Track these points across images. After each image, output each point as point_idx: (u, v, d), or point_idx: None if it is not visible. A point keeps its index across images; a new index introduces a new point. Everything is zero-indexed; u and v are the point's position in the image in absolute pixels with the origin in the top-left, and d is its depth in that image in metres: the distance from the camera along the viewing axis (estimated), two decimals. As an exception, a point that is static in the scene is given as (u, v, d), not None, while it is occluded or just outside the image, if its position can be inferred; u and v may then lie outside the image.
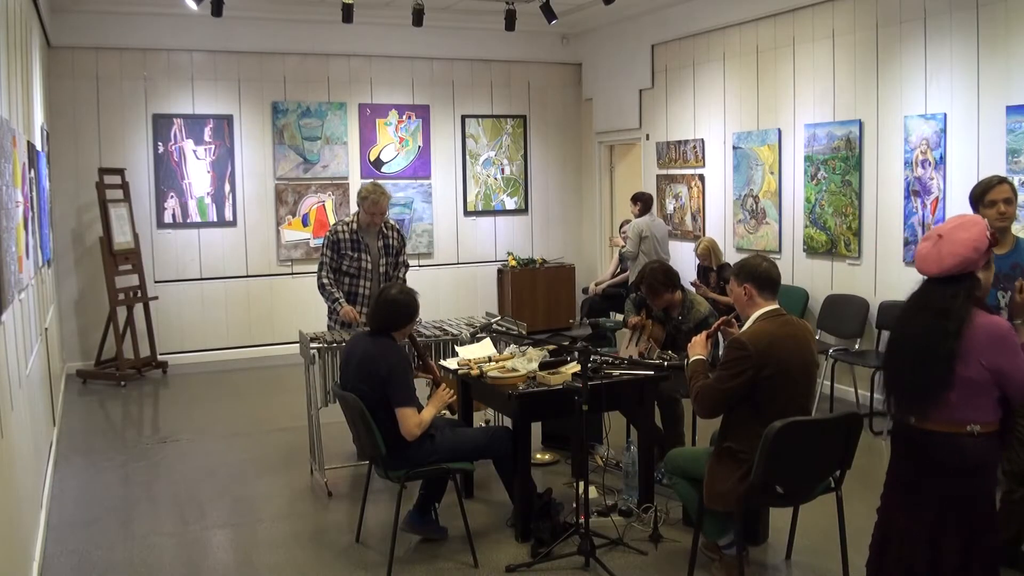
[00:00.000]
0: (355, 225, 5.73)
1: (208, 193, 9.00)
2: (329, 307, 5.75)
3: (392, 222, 5.97)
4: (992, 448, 2.97)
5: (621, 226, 8.97)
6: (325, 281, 5.70)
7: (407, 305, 4.33)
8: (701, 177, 8.64)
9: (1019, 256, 3.83)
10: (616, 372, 4.64)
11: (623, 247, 8.50)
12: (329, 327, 5.77)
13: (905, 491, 3.07)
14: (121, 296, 8.16)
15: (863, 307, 6.68)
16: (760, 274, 3.70)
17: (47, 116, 7.92)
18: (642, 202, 8.24)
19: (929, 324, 2.91)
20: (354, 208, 9.39)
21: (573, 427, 4.38)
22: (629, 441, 4.99)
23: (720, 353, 4.13)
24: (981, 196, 3.81)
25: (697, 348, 3.86)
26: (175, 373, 8.56)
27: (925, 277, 3.02)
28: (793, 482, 3.62)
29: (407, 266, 6.00)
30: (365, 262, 5.73)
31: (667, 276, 5.20)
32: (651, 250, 8.03)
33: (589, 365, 4.15)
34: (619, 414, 5.01)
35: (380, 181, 9.29)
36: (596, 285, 8.98)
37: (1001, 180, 3.87)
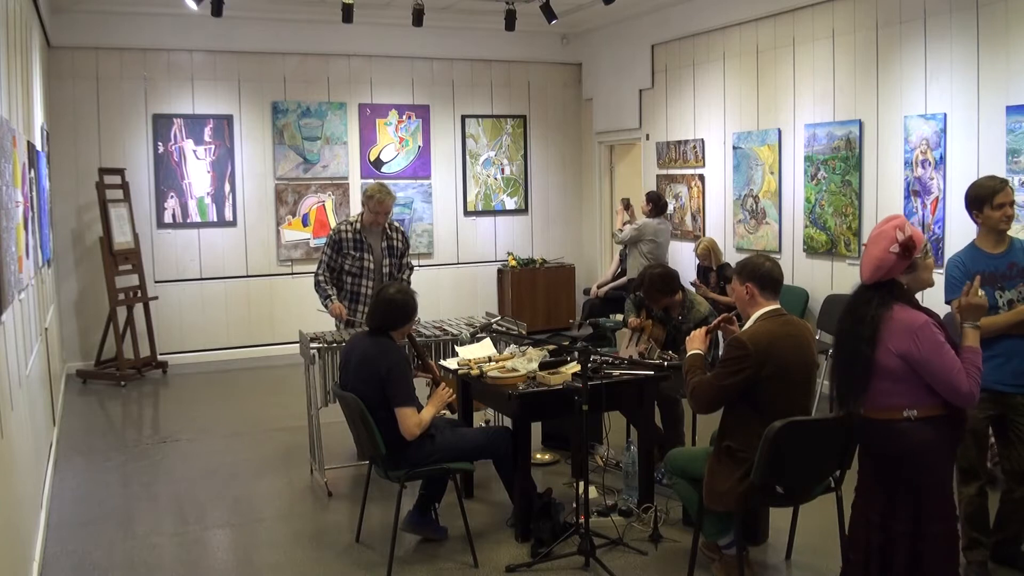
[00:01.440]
0: (359, 225, 5.75)
1: (208, 193, 9.00)
2: (322, 302, 5.78)
3: (396, 223, 5.99)
4: (935, 432, 3.09)
5: (628, 207, 8.79)
6: (320, 278, 5.77)
7: (404, 304, 4.34)
8: (701, 177, 8.64)
9: (1015, 256, 3.83)
10: (616, 372, 4.64)
11: (619, 228, 8.37)
12: (336, 327, 5.80)
13: (862, 477, 3.30)
14: (121, 296, 8.16)
15: (863, 307, 6.66)
16: (763, 274, 3.70)
17: (47, 116, 7.92)
18: (655, 204, 8.12)
19: (848, 329, 3.19)
20: (354, 208, 9.45)
21: (573, 427, 4.38)
22: (629, 441, 4.99)
23: (719, 352, 4.14)
24: (990, 198, 3.80)
25: (695, 342, 3.86)
26: (175, 373, 8.56)
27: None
28: (793, 482, 3.63)
29: (411, 268, 6.03)
30: (368, 262, 5.74)
31: (665, 282, 5.18)
32: (653, 252, 7.98)
33: (589, 365, 4.15)
34: (619, 414, 5.01)
35: (380, 181, 9.36)
36: (597, 288, 8.97)
37: (1005, 182, 3.87)
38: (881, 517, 3.15)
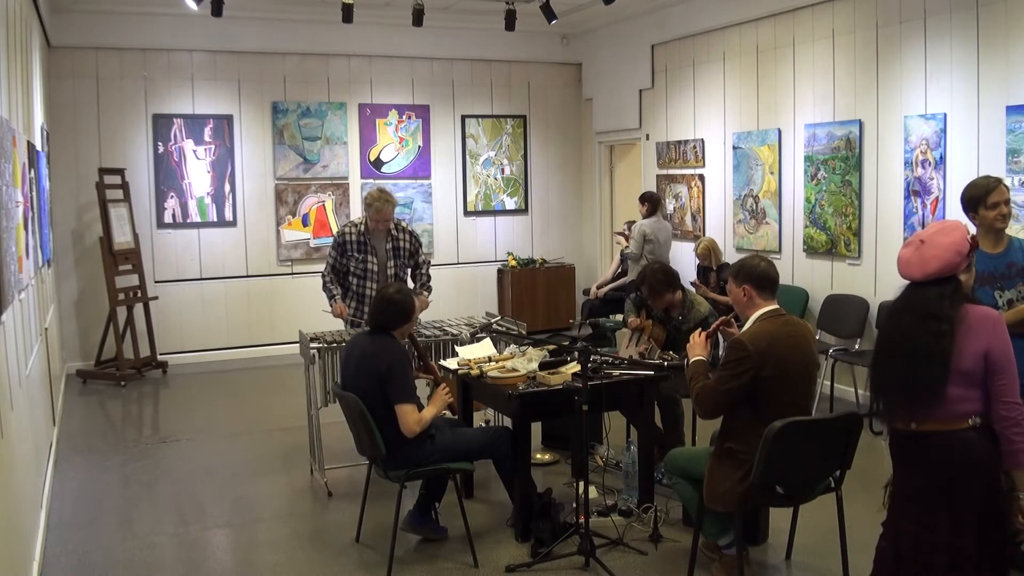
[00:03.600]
0: (363, 227, 5.78)
1: (208, 193, 9.00)
2: (328, 303, 5.85)
3: (404, 224, 6.01)
4: (995, 439, 2.91)
5: (626, 226, 8.83)
6: (326, 279, 5.85)
7: (402, 304, 4.34)
8: (701, 177, 8.64)
9: (1013, 255, 3.84)
10: (616, 372, 4.64)
11: (626, 247, 8.42)
12: (345, 326, 5.85)
13: (914, 499, 2.99)
14: (121, 296, 8.16)
15: (863, 307, 6.68)
16: (759, 274, 3.70)
17: (47, 116, 7.92)
18: (650, 203, 8.09)
19: (918, 327, 2.89)
20: (354, 208, 9.46)
21: (573, 427, 4.38)
22: (629, 441, 4.99)
23: (720, 354, 4.13)
24: (984, 198, 3.80)
25: (696, 349, 3.85)
26: (175, 373, 8.56)
27: (908, 282, 3.01)
28: (793, 482, 3.63)
29: (428, 263, 6.09)
30: (372, 264, 5.77)
31: (667, 276, 5.19)
32: (654, 253, 7.97)
33: (589, 365, 4.15)
34: (619, 414, 5.01)
35: (380, 181, 9.38)
36: (597, 288, 8.96)
37: (998, 181, 3.87)
38: (944, 536, 2.89)
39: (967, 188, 3.90)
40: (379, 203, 5.68)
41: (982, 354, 2.84)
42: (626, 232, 8.59)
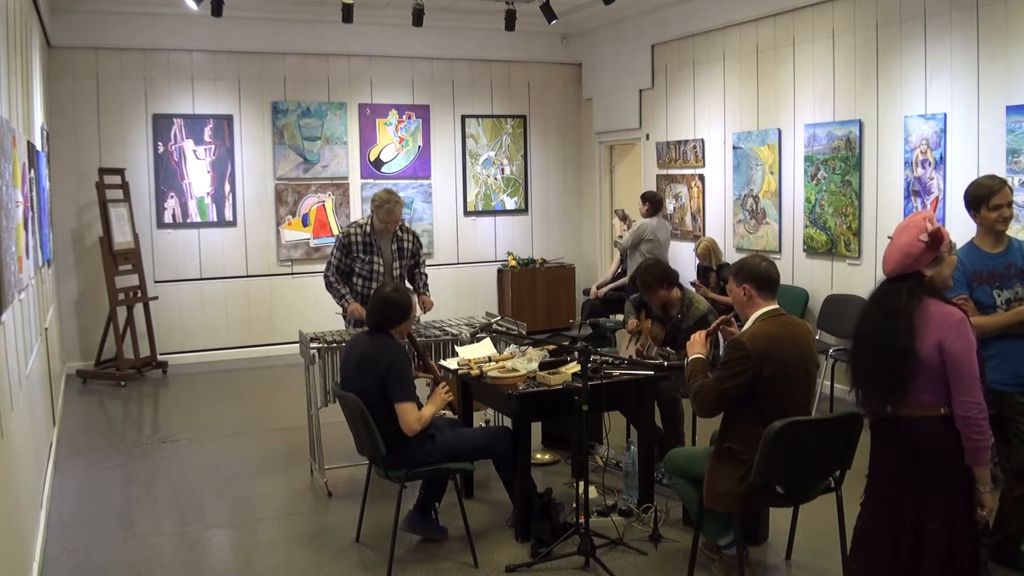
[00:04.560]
0: (368, 228, 5.77)
1: (208, 193, 9.00)
2: (338, 303, 5.82)
3: (407, 224, 6.01)
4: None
5: (620, 211, 8.78)
6: (332, 280, 5.81)
7: (400, 303, 4.34)
8: (701, 177, 8.64)
9: (1013, 256, 3.83)
10: (616, 372, 4.64)
11: (619, 237, 8.37)
12: (347, 326, 5.85)
13: (886, 480, 3.15)
14: (121, 296, 8.16)
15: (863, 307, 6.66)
16: (759, 274, 3.70)
17: (47, 116, 7.92)
18: (651, 203, 8.07)
19: (880, 322, 3.07)
20: (354, 208, 9.46)
21: (573, 427, 4.38)
22: (629, 441, 4.99)
23: (720, 353, 4.13)
24: (987, 199, 3.80)
25: (696, 347, 3.85)
26: (175, 373, 8.56)
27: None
28: (793, 482, 3.63)
29: (425, 264, 6.09)
30: (377, 264, 5.77)
31: (663, 272, 5.20)
32: (652, 252, 7.96)
33: (589, 365, 4.16)
34: (619, 414, 5.01)
35: (380, 181, 9.38)
36: (597, 288, 8.96)
37: (1003, 183, 3.87)
38: (913, 518, 3.04)
39: (971, 187, 3.89)
40: (389, 204, 5.68)
41: (936, 348, 2.98)
42: (622, 216, 8.57)
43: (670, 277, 5.21)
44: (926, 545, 3.02)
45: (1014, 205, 5.30)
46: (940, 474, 3.03)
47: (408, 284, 5.88)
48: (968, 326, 3.03)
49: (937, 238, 3.03)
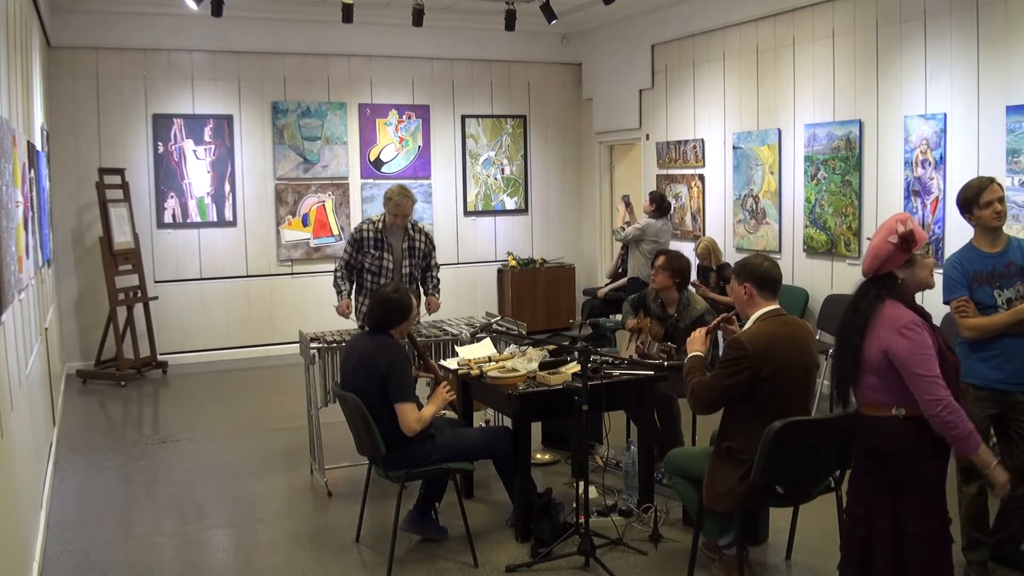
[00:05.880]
0: (381, 224, 5.80)
1: (208, 193, 9.00)
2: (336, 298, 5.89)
3: (421, 225, 6.03)
4: (921, 433, 3.04)
5: (628, 204, 8.74)
6: (338, 275, 5.89)
7: (399, 303, 4.35)
8: (701, 177, 8.64)
9: (1012, 255, 3.83)
10: (616, 372, 4.64)
11: (620, 227, 8.29)
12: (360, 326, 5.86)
13: (853, 472, 3.32)
14: (121, 296, 8.16)
15: (863, 307, 6.66)
16: (761, 273, 3.70)
17: (47, 116, 7.92)
18: (658, 205, 8.01)
19: (844, 320, 3.21)
20: (354, 208, 9.47)
21: (573, 427, 4.38)
22: (629, 441, 4.99)
23: (720, 352, 4.14)
24: (976, 198, 3.81)
25: (696, 344, 3.86)
26: (175, 373, 8.56)
27: None
28: (793, 482, 3.63)
29: (438, 267, 6.10)
30: (387, 261, 5.79)
31: (685, 272, 5.40)
32: (653, 253, 7.89)
33: (589, 365, 4.16)
34: (619, 414, 5.01)
35: (380, 181, 9.39)
36: (599, 291, 8.95)
37: (991, 180, 3.87)
38: (865, 512, 3.16)
39: (960, 191, 3.90)
40: (399, 197, 5.72)
41: (882, 351, 3.05)
42: (627, 202, 8.55)
43: (686, 280, 5.33)
44: (876, 542, 3.10)
45: (1014, 205, 5.34)
46: (889, 474, 3.10)
47: (419, 284, 5.93)
48: (920, 328, 3.02)
49: (908, 239, 3.06)
